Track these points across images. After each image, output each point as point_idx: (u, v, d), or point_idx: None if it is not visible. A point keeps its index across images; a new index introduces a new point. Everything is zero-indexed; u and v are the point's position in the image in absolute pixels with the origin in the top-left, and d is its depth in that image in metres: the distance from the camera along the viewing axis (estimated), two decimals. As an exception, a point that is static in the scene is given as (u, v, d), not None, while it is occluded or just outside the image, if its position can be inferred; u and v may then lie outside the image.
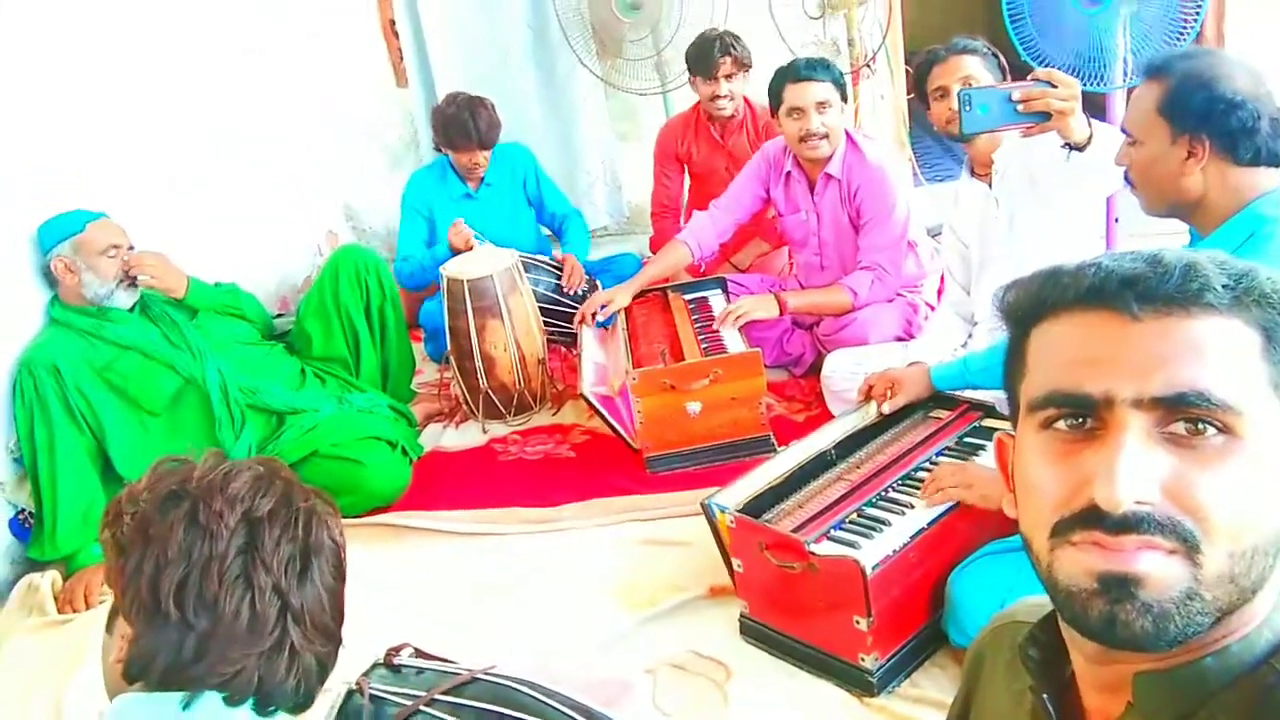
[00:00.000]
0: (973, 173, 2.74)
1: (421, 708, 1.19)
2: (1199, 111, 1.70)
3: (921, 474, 2.16)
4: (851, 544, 1.97)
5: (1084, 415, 0.69)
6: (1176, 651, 0.67)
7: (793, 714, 1.99)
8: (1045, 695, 0.77)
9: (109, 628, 1.14)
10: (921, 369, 2.47)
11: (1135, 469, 0.65)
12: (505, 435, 3.29)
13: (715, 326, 3.10)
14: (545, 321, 3.45)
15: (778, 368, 3.39)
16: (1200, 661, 0.68)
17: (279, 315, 3.62)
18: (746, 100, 3.75)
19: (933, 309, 3.19)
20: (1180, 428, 0.66)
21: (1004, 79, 2.61)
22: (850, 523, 2.05)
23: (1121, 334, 0.68)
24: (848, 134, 3.16)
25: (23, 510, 2.80)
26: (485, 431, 3.32)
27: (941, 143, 4.82)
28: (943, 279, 3.08)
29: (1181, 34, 2.66)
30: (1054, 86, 2.12)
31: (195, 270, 3.03)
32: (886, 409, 2.43)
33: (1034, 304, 0.74)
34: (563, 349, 3.70)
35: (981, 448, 2.26)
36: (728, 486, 2.19)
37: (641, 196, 4.28)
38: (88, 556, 2.68)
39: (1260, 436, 0.66)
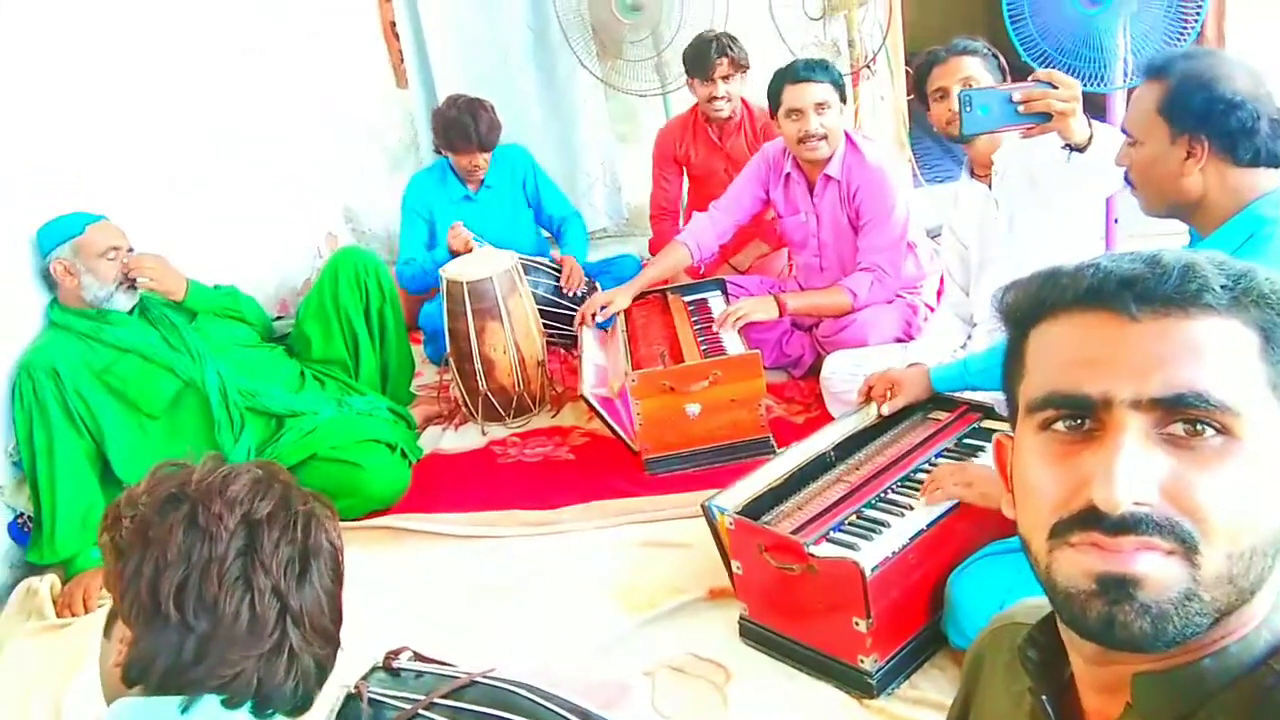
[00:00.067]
0: (972, 174, 2.74)
1: (420, 711, 1.18)
2: (1198, 112, 1.70)
3: (921, 475, 2.16)
4: (851, 546, 1.97)
5: (1082, 416, 0.69)
6: (1175, 652, 0.67)
7: (792, 716, 1.98)
8: (1044, 696, 0.77)
9: (107, 632, 1.14)
10: (921, 370, 2.46)
11: (1133, 470, 0.65)
12: (504, 437, 3.29)
13: (715, 328, 3.10)
14: (545, 324, 3.45)
15: (777, 369, 3.39)
16: (1199, 662, 0.68)
17: (278, 318, 3.62)
18: (744, 101, 3.75)
19: (932, 310, 3.19)
20: (1179, 429, 0.66)
21: (1004, 80, 2.61)
22: (849, 524, 2.05)
23: (1120, 335, 0.68)
24: (847, 135, 3.16)
25: (22, 514, 2.80)
26: (484, 434, 3.32)
27: (941, 144, 4.81)
28: (942, 280, 3.08)
29: (1182, 34, 2.66)
30: (1054, 87, 2.12)
31: (195, 272, 3.03)
32: (886, 410, 2.43)
33: (1033, 305, 0.74)
34: (562, 351, 3.71)
35: (981, 449, 2.26)
36: (728, 488, 2.19)
37: (641, 198, 4.28)
38: (87, 560, 2.68)
39: (1259, 437, 0.66)
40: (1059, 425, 0.70)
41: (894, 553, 1.92)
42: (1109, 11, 2.70)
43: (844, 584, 1.88)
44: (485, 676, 1.23)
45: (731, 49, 3.57)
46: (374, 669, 1.29)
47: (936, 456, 2.26)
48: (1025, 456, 0.73)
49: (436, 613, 2.45)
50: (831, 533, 2.02)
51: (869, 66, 4.09)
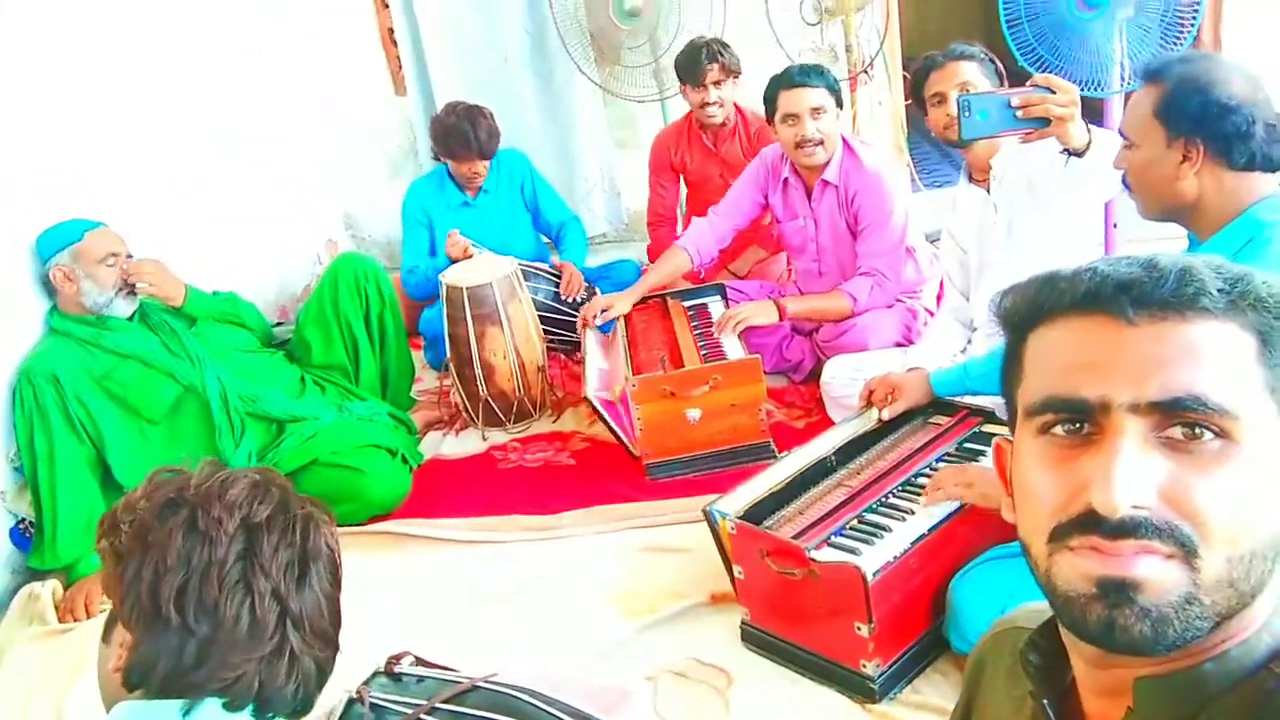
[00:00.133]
0: (971, 178, 2.74)
1: (422, 716, 1.19)
2: (1194, 115, 1.70)
3: (922, 480, 2.16)
4: (852, 550, 1.97)
5: (1081, 420, 0.69)
6: (1176, 656, 0.67)
7: (794, 720, 1.99)
8: (1046, 701, 0.77)
9: (106, 637, 1.14)
10: (921, 375, 2.46)
11: (1132, 474, 0.65)
12: (505, 443, 3.29)
13: (714, 333, 3.10)
14: (544, 329, 3.46)
15: (777, 374, 3.39)
16: (1200, 666, 0.68)
17: (279, 324, 3.62)
18: (737, 107, 3.77)
19: (932, 314, 3.20)
20: (1177, 432, 0.66)
21: (1001, 84, 2.61)
22: (851, 529, 2.05)
23: (1117, 339, 0.68)
24: (844, 140, 3.16)
25: (23, 519, 2.80)
26: (485, 439, 3.32)
27: (939, 148, 4.82)
28: (942, 285, 3.08)
29: (1178, 38, 2.67)
30: (1053, 92, 2.12)
31: (196, 277, 3.04)
32: (886, 415, 2.43)
33: (1030, 309, 0.75)
34: (562, 356, 3.71)
35: (981, 453, 2.26)
36: (729, 493, 2.19)
37: (640, 203, 4.29)
38: (88, 565, 2.68)
39: (1257, 440, 0.66)
40: (1057, 429, 0.70)
41: (896, 557, 1.92)
42: (1105, 16, 2.71)
43: (846, 588, 1.88)
44: (487, 681, 1.23)
45: (722, 55, 3.58)
46: (375, 674, 1.29)
47: (937, 461, 2.26)
48: (1024, 460, 0.73)
49: (438, 617, 2.45)
50: (833, 537, 2.02)
51: (866, 71, 4.10)
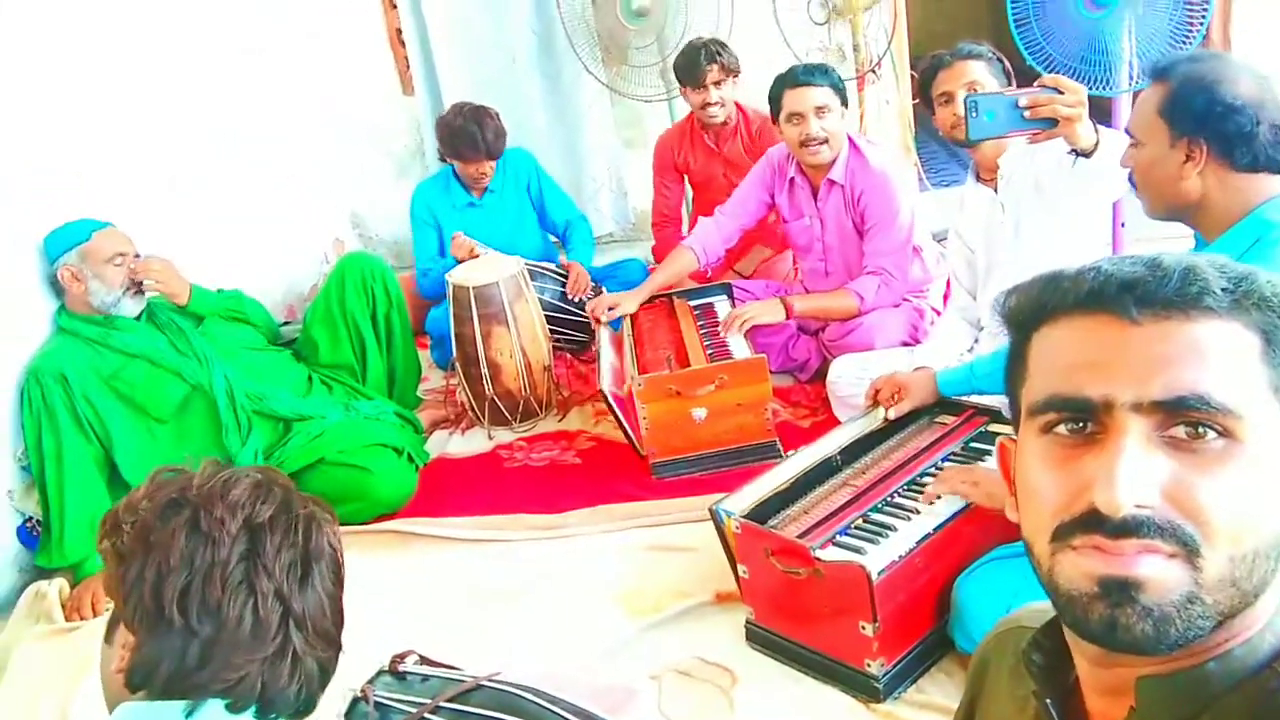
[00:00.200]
0: (978, 178, 2.74)
1: (426, 715, 1.19)
2: (1198, 115, 1.69)
3: (927, 479, 2.16)
4: (857, 550, 1.96)
5: (1084, 419, 0.69)
6: (1179, 655, 0.67)
7: (799, 720, 1.98)
8: (1049, 700, 0.77)
9: (108, 637, 1.14)
10: (927, 374, 2.46)
11: (1135, 473, 0.65)
12: (511, 442, 3.30)
13: (721, 332, 3.10)
14: (551, 329, 3.46)
15: (783, 373, 3.39)
16: (1203, 666, 0.68)
17: (286, 323, 3.63)
18: (739, 106, 3.77)
19: (938, 314, 3.19)
20: (1180, 431, 0.66)
21: (1009, 84, 2.61)
22: (856, 528, 2.05)
23: (1121, 338, 0.68)
24: (850, 140, 3.16)
25: (30, 518, 2.81)
26: (491, 438, 3.33)
27: (947, 147, 4.82)
28: (949, 284, 3.07)
29: (1187, 37, 2.66)
30: (1060, 92, 2.11)
31: (202, 276, 3.04)
32: (892, 414, 2.43)
33: (1034, 309, 0.74)
34: (568, 355, 3.71)
35: (987, 453, 2.26)
36: (736, 492, 2.18)
37: (647, 203, 4.29)
38: (95, 564, 2.68)
39: (1260, 440, 0.65)
40: (1061, 428, 0.70)
41: (900, 557, 1.92)
42: (1114, 15, 2.70)
43: (850, 588, 1.88)
44: (491, 680, 1.24)
45: (721, 55, 3.59)
46: (380, 673, 1.29)
47: (943, 460, 2.25)
48: (1027, 460, 0.73)
49: (442, 616, 2.45)
50: (838, 537, 2.02)
51: (874, 71, 4.09)
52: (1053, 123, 2.13)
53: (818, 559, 1.91)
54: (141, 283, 2.82)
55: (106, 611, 2.55)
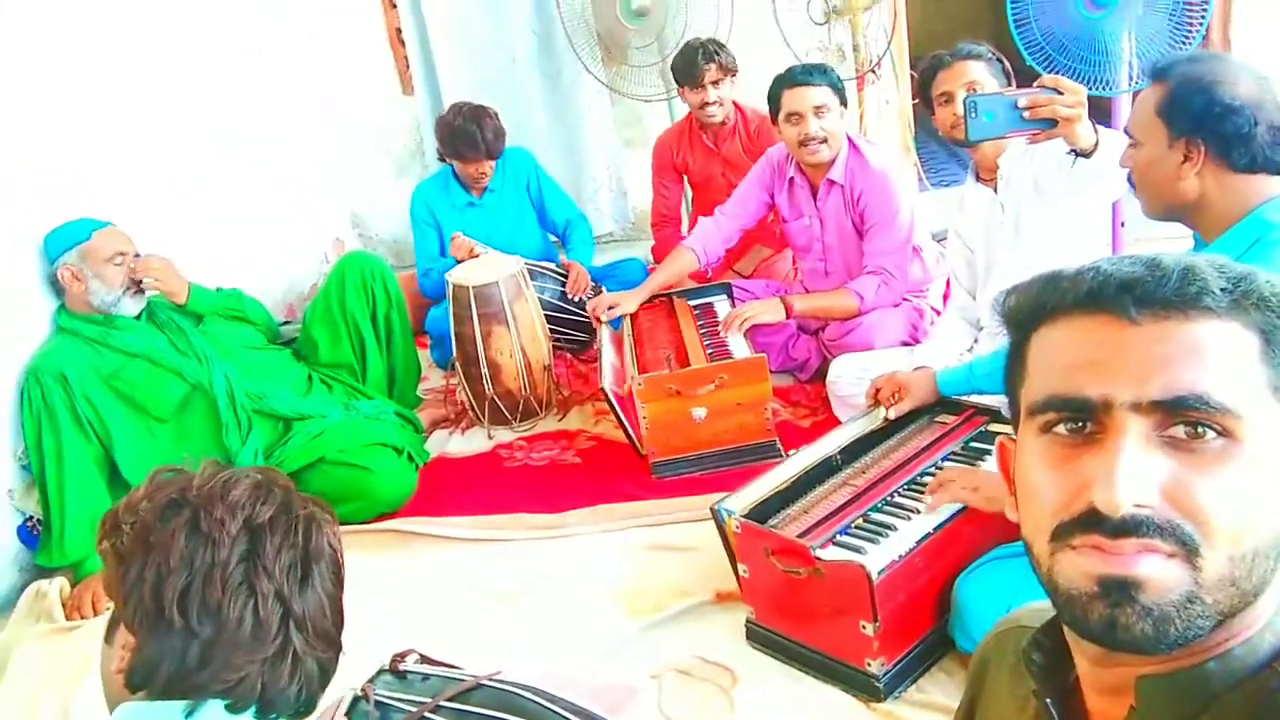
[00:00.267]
0: (978, 178, 2.74)
1: (427, 714, 1.19)
2: (1195, 115, 1.69)
3: (927, 479, 2.16)
4: (857, 549, 1.96)
5: (1083, 419, 0.69)
6: (1179, 655, 0.67)
7: (799, 719, 1.98)
8: (1049, 700, 0.77)
9: (108, 637, 1.14)
10: (927, 374, 2.46)
11: (1134, 472, 0.65)
12: (511, 441, 3.30)
13: (721, 331, 3.10)
14: (551, 328, 3.46)
15: (783, 373, 3.39)
16: (1203, 665, 0.68)
17: (286, 322, 3.63)
18: (737, 105, 3.78)
19: (938, 314, 3.19)
20: (1179, 431, 0.66)
21: (1009, 84, 2.61)
22: (856, 528, 2.05)
23: (1120, 338, 0.68)
24: (850, 140, 3.16)
25: (31, 517, 2.81)
26: (491, 438, 3.33)
27: (947, 147, 4.82)
28: (948, 283, 3.08)
29: (1187, 37, 2.66)
30: (1060, 93, 2.11)
31: (202, 277, 3.04)
32: (892, 414, 2.43)
33: (1034, 309, 0.75)
34: (568, 355, 3.72)
35: (987, 453, 2.26)
36: (737, 491, 2.19)
37: (647, 202, 4.29)
38: (95, 563, 2.68)
39: (1259, 440, 0.66)
40: (1060, 428, 0.70)
41: (901, 556, 1.92)
42: (1114, 15, 2.70)
43: (851, 587, 1.88)
44: (491, 679, 1.23)
45: (718, 54, 3.60)
46: (380, 672, 1.29)
47: (943, 460, 2.26)
48: (1027, 459, 0.73)
49: (443, 616, 2.45)
50: (838, 536, 2.02)
51: (874, 71, 4.09)
52: (1052, 123, 2.12)
53: (818, 558, 1.91)
54: (141, 282, 2.82)
55: (107, 611, 2.56)
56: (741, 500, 2.15)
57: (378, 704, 1.20)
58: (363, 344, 3.30)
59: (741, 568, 2.12)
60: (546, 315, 3.45)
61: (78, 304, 2.80)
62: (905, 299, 3.21)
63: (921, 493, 2.12)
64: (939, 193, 4.28)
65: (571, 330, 3.67)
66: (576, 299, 3.64)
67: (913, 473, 2.21)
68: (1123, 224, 3.11)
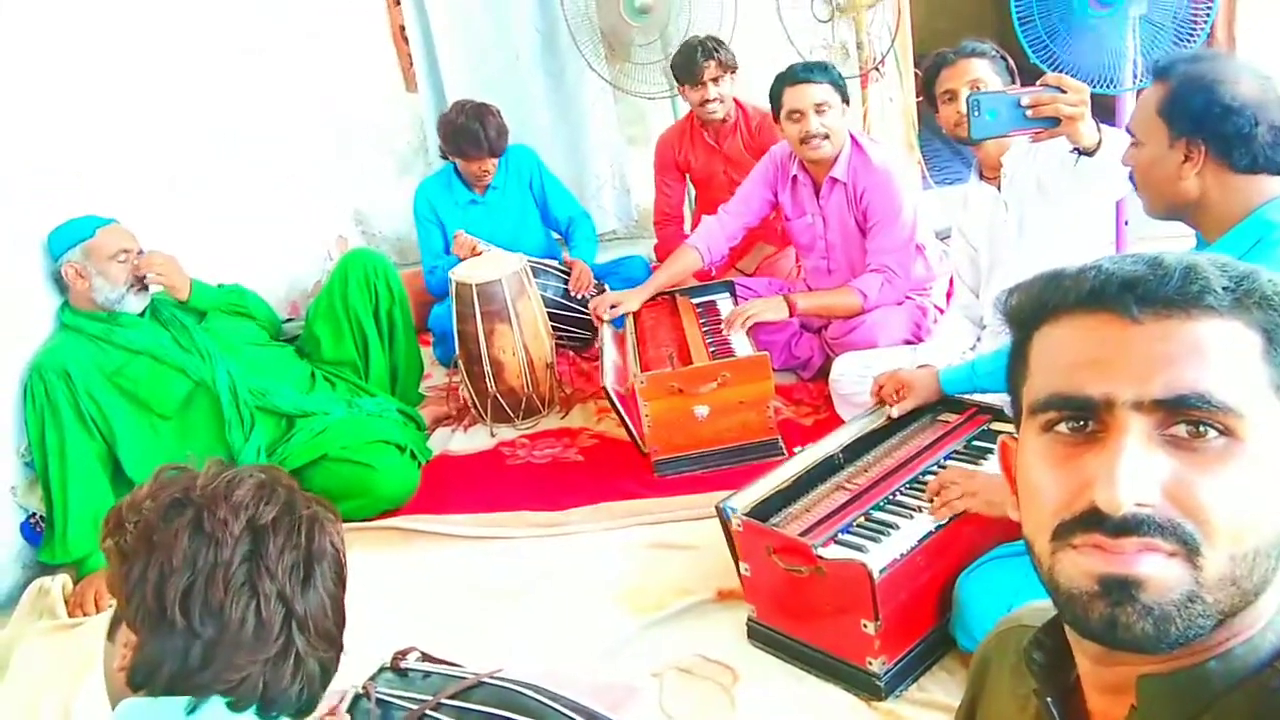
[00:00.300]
0: (981, 176, 2.74)
1: (427, 712, 1.19)
2: (1196, 115, 1.69)
3: (929, 478, 2.16)
4: (859, 548, 1.96)
5: (1085, 418, 0.69)
6: (1180, 654, 0.67)
7: (800, 718, 1.98)
8: (1050, 699, 0.77)
9: (111, 635, 1.15)
10: (930, 372, 2.46)
11: (1135, 471, 0.65)
12: (513, 439, 3.30)
13: (724, 329, 3.10)
14: (554, 326, 3.46)
15: (786, 371, 3.39)
16: (1204, 664, 0.68)
17: (289, 320, 3.64)
18: (738, 102, 3.78)
19: (941, 312, 3.19)
20: (1181, 430, 0.66)
21: (1013, 82, 2.60)
22: (858, 526, 2.05)
23: (1122, 336, 0.68)
24: (853, 137, 3.16)
25: (34, 514, 2.82)
26: (493, 435, 3.33)
27: (950, 145, 4.81)
28: (951, 282, 3.07)
29: (1191, 36, 2.66)
30: (1063, 91, 2.11)
31: (205, 275, 3.04)
32: (895, 412, 2.43)
33: (1036, 307, 0.74)
34: (571, 353, 3.72)
35: (989, 451, 2.26)
36: (741, 490, 2.18)
37: (650, 200, 4.29)
38: (98, 560, 2.69)
39: (1261, 439, 0.65)
40: (1062, 427, 0.70)
41: (902, 555, 1.92)
42: (1118, 13, 2.70)
43: (852, 586, 1.88)
44: (492, 677, 1.24)
45: (718, 51, 3.60)
46: (382, 669, 1.30)
47: (945, 459, 2.25)
48: (1028, 458, 0.73)
49: (444, 613, 2.45)
50: (840, 535, 2.02)
51: (878, 69, 4.09)
52: (1055, 121, 2.12)
53: (820, 557, 1.91)
54: (145, 278, 2.83)
55: (110, 608, 2.56)
56: (743, 499, 2.15)
57: (379, 701, 1.20)
58: (365, 341, 3.30)
59: (743, 566, 2.12)
60: (549, 313, 3.45)
61: (81, 301, 2.80)
62: (908, 297, 3.21)
63: (923, 491, 2.12)
64: (942, 191, 4.27)
65: (574, 328, 3.67)
66: (579, 296, 3.64)
67: (914, 471, 2.21)
68: (1126, 222, 3.10)
